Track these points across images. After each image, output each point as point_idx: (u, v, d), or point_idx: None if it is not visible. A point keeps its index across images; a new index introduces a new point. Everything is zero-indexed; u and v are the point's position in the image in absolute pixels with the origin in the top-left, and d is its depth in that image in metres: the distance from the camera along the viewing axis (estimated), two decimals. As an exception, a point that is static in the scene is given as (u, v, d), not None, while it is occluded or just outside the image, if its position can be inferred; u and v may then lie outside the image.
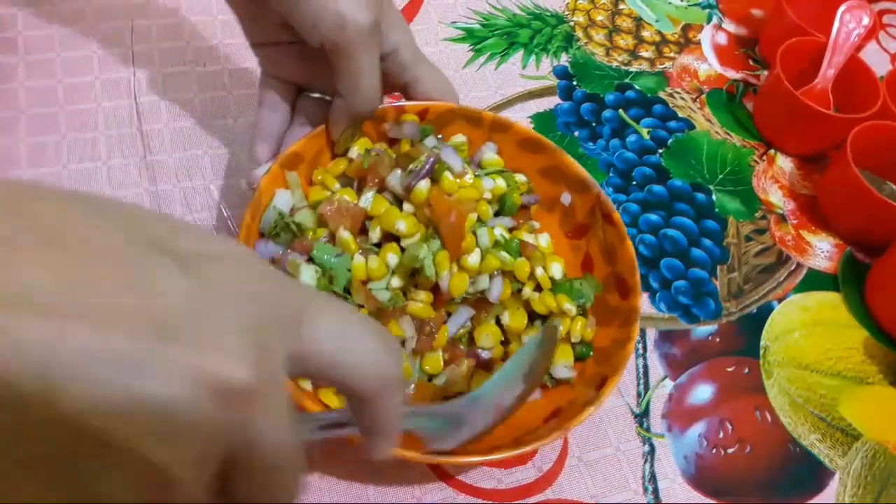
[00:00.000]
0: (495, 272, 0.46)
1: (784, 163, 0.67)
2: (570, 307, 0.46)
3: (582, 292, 0.47)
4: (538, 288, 0.47)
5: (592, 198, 0.50)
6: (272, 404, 0.22)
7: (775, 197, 0.65)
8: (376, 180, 0.47)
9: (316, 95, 0.50)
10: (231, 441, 0.21)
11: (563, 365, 0.46)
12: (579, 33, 0.72)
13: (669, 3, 0.78)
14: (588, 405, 0.42)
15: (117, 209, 0.22)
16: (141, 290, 0.20)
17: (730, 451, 0.51)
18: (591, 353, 0.47)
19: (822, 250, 0.62)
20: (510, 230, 0.49)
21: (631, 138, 0.65)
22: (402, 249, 0.45)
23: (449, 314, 0.46)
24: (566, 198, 0.52)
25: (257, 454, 0.22)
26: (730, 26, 0.77)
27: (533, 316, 0.47)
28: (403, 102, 0.50)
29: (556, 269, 0.49)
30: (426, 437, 0.37)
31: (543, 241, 0.50)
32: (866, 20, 0.69)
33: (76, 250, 0.20)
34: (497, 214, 0.50)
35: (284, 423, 0.23)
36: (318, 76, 0.48)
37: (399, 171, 0.47)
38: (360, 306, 0.44)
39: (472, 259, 0.45)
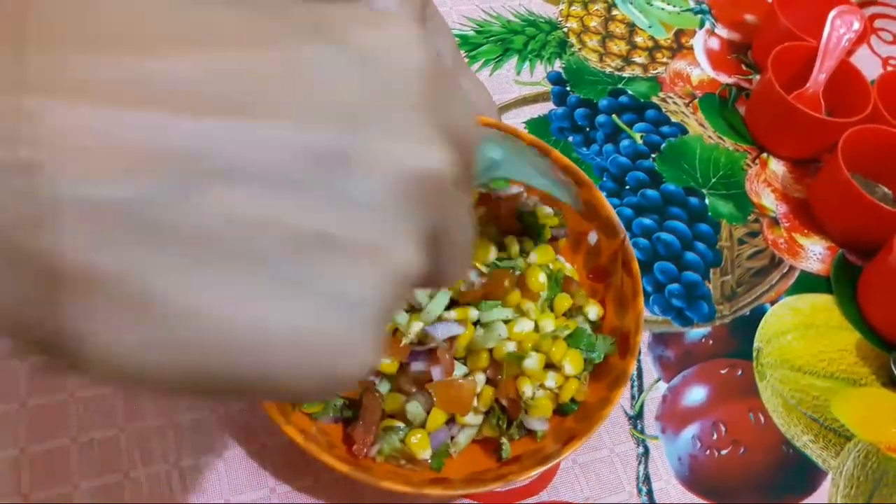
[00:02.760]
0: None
1: (776, 166, 0.68)
2: (570, 370, 0.45)
3: (596, 347, 0.46)
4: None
5: (618, 243, 0.49)
6: (462, 181, 0.21)
7: (768, 200, 0.65)
8: None
9: None
10: (433, 225, 0.20)
11: (538, 419, 0.44)
12: (573, 39, 0.73)
13: (662, 8, 0.78)
14: (542, 463, 0.41)
15: None
16: (313, 81, 0.18)
17: (723, 452, 0.51)
18: (575, 409, 0.46)
19: (815, 253, 0.63)
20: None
21: (624, 143, 0.66)
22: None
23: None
24: (593, 237, 0.51)
25: (454, 231, 0.22)
26: (722, 31, 0.78)
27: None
28: None
29: (593, 312, 0.48)
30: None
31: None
32: (857, 25, 0.70)
33: (226, 43, 0.18)
34: (525, 233, 0.49)
35: (469, 199, 0.22)
36: None
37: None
38: None
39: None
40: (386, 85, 0.19)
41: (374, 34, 0.20)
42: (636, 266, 0.47)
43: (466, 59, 0.69)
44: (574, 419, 0.45)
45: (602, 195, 0.50)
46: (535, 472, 0.41)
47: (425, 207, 0.19)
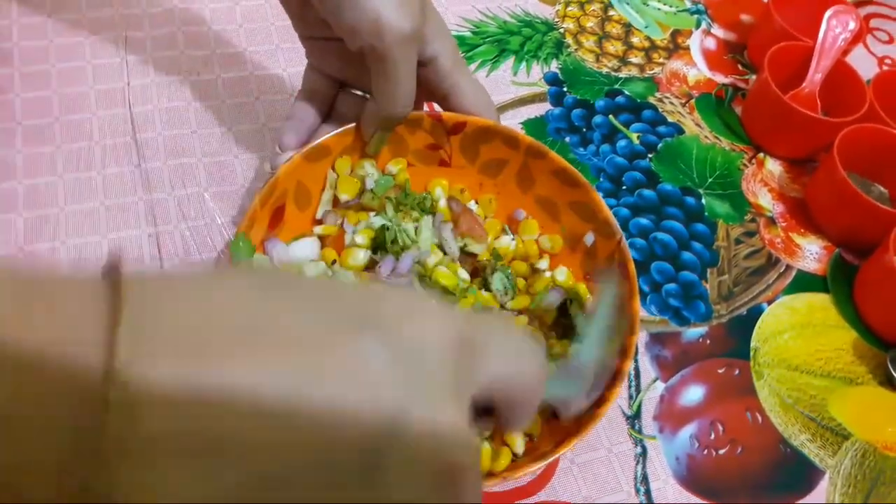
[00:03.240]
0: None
1: (773, 166, 0.68)
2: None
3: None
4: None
5: (614, 244, 0.49)
6: (477, 466, 0.24)
7: (764, 200, 0.66)
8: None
9: (357, 92, 0.51)
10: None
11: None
12: (569, 40, 0.73)
13: (659, 9, 0.78)
14: (537, 461, 0.41)
15: (299, 287, 0.23)
16: (359, 383, 0.21)
17: (721, 451, 0.52)
18: None
19: (811, 252, 0.63)
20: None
21: (621, 143, 0.66)
22: None
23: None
24: (589, 238, 0.51)
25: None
26: (718, 31, 0.78)
27: None
28: (441, 111, 0.50)
29: (561, 272, 0.50)
30: (562, 403, 0.40)
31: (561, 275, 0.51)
32: (852, 25, 0.70)
33: (284, 346, 0.21)
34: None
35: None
36: (359, 74, 0.48)
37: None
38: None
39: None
40: (423, 377, 0.22)
41: (412, 327, 0.23)
42: (632, 267, 0.47)
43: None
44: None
45: (599, 196, 0.50)
46: (531, 470, 0.41)
47: (448, 493, 0.23)
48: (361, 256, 0.47)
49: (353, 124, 0.48)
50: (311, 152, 0.47)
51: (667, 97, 0.71)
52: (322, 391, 0.20)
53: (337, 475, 0.20)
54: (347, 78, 0.50)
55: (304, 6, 0.46)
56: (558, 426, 0.45)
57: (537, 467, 0.41)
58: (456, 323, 0.25)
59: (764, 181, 0.67)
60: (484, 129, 0.51)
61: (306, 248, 0.47)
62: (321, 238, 0.48)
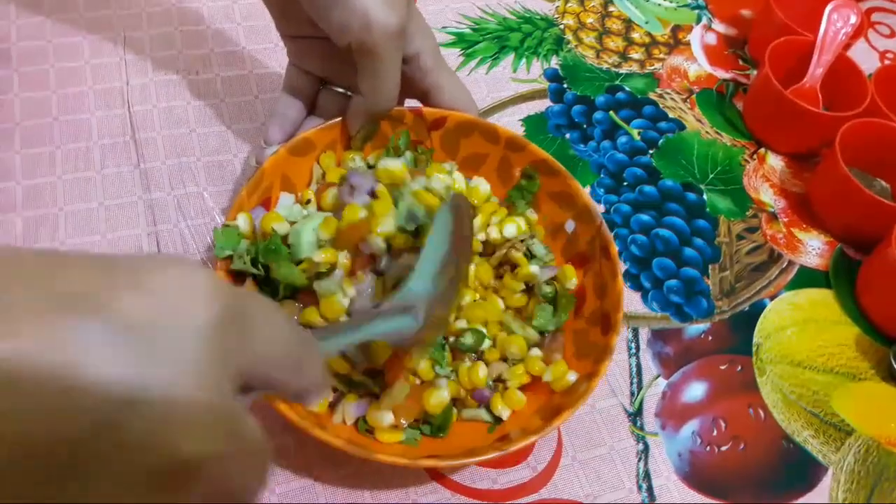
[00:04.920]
0: None
1: (774, 161, 0.68)
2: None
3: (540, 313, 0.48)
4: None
5: (594, 228, 0.50)
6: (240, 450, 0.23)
7: (766, 195, 0.65)
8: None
9: (339, 89, 0.52)
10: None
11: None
12: (569, 36, 0.73)
13: (659, 4, 0.78)
14: (532, 434, 0.41)
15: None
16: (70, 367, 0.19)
17: (723, 448, 0.51)
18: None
19: (814, 248, 0.63)
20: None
21: (622, 139, 0.66)
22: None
23: None
24: (570, 225, 0.52)
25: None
26: (719, 26, 0.78)
27: None
28: (422, 107, 0.51)
29: (538, 247, 0.50)
30: (395, 337, 0.39)
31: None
32: (854, 19, 0.69)
33: None
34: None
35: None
36: (340, 72, 0.50)
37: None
38: None
39: None
40: (157, 355, 0.20)
41: (143, 301, 0.20)
42: (614, 249, 0.49)
43: (462, 57, 0.68)
44: (561, 395, 0.46)
45: (577, 184, 0.51)
46: (527, 442, 0.41)
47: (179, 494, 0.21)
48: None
49: (338, 119, 0.49)
50: (295, 146, 0.48)
51: (667, 93, 0.70)
52: (30, 370, 0.18)
53: (34, 473, 0.18)
54: (329, 75, 0.51)
55: (288, 5, 0.47)
56: (551, 403, 0.45)
57: (533, 439, 0.41)
58: (218, 292, 0.22)
59: (765, 176, 0.67)
60: (464, 123, 0.52)
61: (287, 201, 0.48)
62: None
